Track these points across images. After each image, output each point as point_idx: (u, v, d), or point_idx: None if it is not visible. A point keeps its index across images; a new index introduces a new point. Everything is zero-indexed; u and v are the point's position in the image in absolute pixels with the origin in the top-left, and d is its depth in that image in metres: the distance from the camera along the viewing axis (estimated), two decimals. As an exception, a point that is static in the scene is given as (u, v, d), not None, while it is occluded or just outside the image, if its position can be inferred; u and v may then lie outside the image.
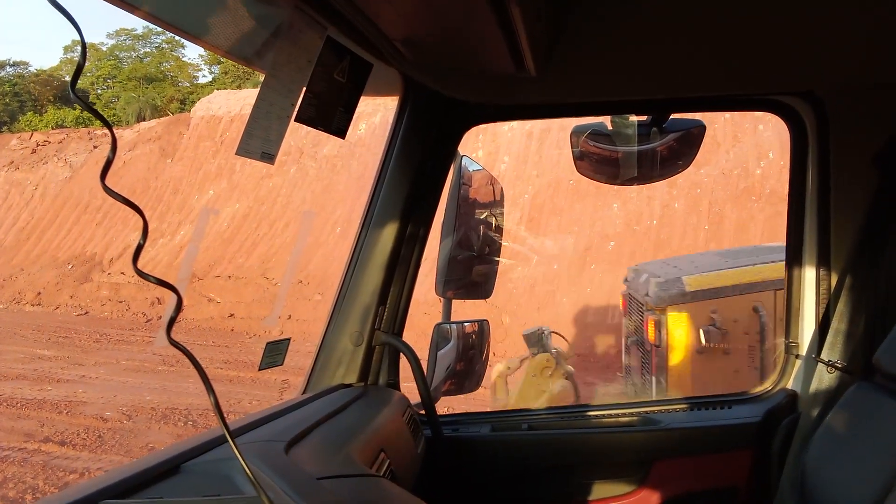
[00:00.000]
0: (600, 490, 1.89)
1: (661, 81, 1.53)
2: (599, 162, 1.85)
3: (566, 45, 1.35)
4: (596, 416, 1.96)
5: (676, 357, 3.80)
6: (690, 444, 1.88)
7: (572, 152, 1.83)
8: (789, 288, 1.88)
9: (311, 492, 0.89)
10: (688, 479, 1.87)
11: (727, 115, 13.94)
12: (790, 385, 1.91)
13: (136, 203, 0.63)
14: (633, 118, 1.83)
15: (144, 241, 0.62)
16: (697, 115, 1.87)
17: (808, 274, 1.83)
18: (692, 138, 1.86)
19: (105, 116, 0.67)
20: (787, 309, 1.90)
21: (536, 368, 4.66)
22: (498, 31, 1.09)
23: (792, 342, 1.89)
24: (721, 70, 1.45)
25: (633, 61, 1.44)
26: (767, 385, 1.96)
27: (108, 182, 0.63)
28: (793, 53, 1.40)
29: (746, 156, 13.66)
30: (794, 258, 1.87)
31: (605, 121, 1.83)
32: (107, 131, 0.64)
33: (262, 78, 1.15)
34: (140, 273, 0.61)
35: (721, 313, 3.82)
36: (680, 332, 3.83)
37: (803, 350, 1.87)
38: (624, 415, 1.94)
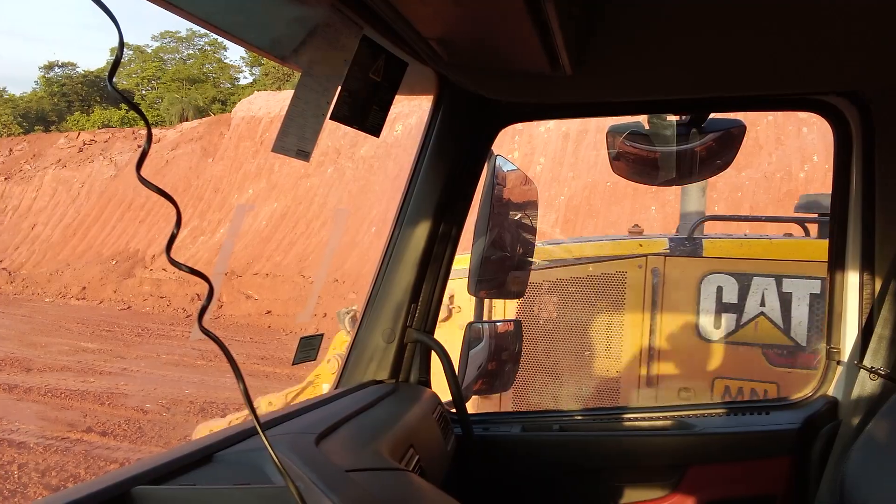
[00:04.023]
0: (632, 494, 1.86)
1: (700, 80, 1.50)
2: (636, 162, 1.83)
3: (601, 43, 1.34)
4: (629, 418, 1.94)
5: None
6: (727, 449, 1.85)
7: (608, 153, 1.81)
8: (831, 292, 1.83)
9: (340, 483, 0.90)
10: (723, 485, 1.84)
11: (769, 116, 13.64)
12: (831, 392, 1.86)
13: (170, 194, 0.64)
14: (671, 118, 1.80)
15: (178, 231, 0.63)
16: (738, 115, 1.84)
17: (851, 278, 1.78)
18: (732, 139, 1.83)
19: (146, 114, 0.69)
20: (828, 313, 1.85)
21: (338, 345, 4.80)
22: (532, 30, 1.09)
23: (833, 348, 1.84)
24: (762, 68, 1.41)
25: (671, 59, 1.42)
26: (807, 391, 1.91)
27: (148, 178, 0.65)
28: (838, 51, 1.36)
29: (790, 159, 13.36)
30: (836, 262, 1.82)
31: (643, 120, 1.80)
32: (152, 130, 0.65)
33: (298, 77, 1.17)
34: (172, 262, 0.63)
35: (458, 293, 4.02)
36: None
37: (845, 356, 1.82)
38: (658, 418, 1.92)
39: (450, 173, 1.67)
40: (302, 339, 1.50)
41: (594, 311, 3.77)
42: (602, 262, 3.81)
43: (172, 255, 0.64)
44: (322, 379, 4.59)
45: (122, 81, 41.48)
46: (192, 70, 39.82)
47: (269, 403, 4.60)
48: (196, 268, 0.69)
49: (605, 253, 3.81)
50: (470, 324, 1.90)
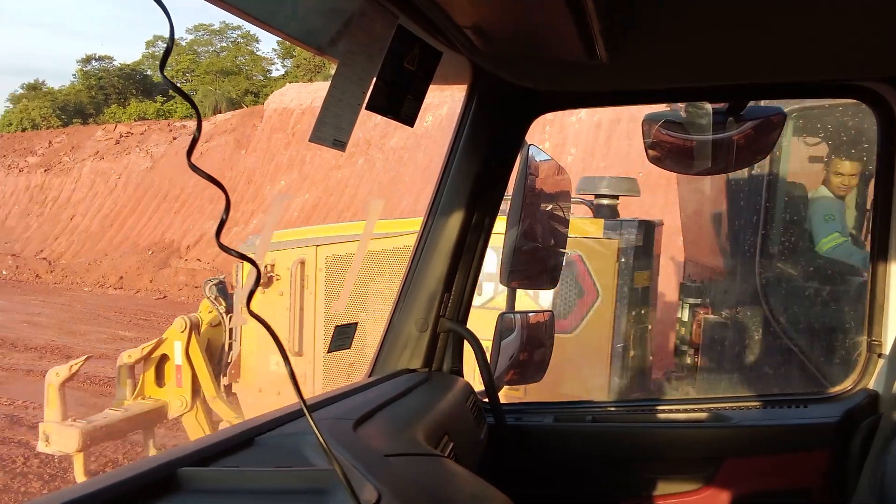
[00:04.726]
0: (666, 486, 1.85)
1: (738, 67, 1.47)
2: (672, 151, 1.80)
3: (639, 30, 1.32)
4: (663, 409, 1.92)
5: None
6: (763, 442, 1.83)
7: (644, 141, 1.79)
8: (873, 283, 1.79)
9: (379, 467, 0.92)
10: (759, 477, 1.82)
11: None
12: (871, 385, 1.82)
13: (220, 181, 0.66)
14: (708, 105, 1.77)
15: (227, 217, 0.65)
16: (777, 102, 1.80)
17: (894, 269, 1.74)
18: (771, 127, 1.79)
19: (189, 107, 0.70)
20: (869, 306, 1.81)
21: (202, 310, 5.08)
22: (569, 17, 1.08)
23: (874, 340, 1.80)
24: (802, 54, 1.38)
25: (709, 46, 1.39)
26: (847, 384, 1.87)
27: (183, 170, 0.66)
28: (881, 35, 1.32)
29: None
30: (879, 252, 1.77)
31: (679, 108, 1.78)
32: (185, 123, 0.67)
33: (333, 69, 1.18)
34: (222, 246, 0.64)
35: (277, 263, 4.53)
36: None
37: (886, 349, 1.78)
38: (693, 410, 1.90)
39: (483, 163, 1.67)
40: (337, 327, 1.53)
41: (382, 278, 4.22)
42: (381, 237, 4.31)
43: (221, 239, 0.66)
44: (172, 336, 4.88)
45: (157, 74, 42.16)
46: (225, 62, 40.29)
47: (129, 356, 4.90)
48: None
49: (390, 229, 4.27)
50: (502, 314, 1.90)
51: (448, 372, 1.74)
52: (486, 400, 1.74)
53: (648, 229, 3.99)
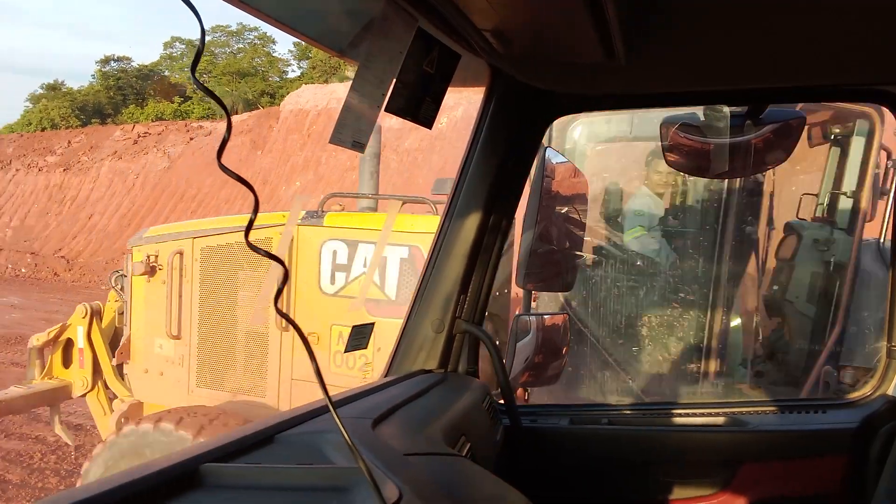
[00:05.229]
0: (682, 490, 1.84)
1: (759, 70, 1.46)
2: (690, 154, 1.80)
3: (658, 32, 1.31)
4: (680, 413, 1.92)
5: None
6: (781, 447, 1.81)
7: (661, 144, 1.79)
8: (893, 288, 1.77)
9: (399, 466, 0.92)
10: (776, 483, 1.80)
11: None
12: (891, 391, 1.81)
13: (248, 181, 0.67)
14: (726, 109, 1.77)
15: (255, 217, 0.66)
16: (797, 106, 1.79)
17: None
18: (790, 130, 1.78)
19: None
20: (889, 311, 1.80)
21: (110, 299, 5.48)
22: (589, 19, 1.08)
23: (894, 346, 1.78)
24: (824, 57, 1.37)
25: (729, 49, 1.39)
26: (866, 390, 1.86)
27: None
28: None
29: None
30: None
31: (697, 111, 1.77)
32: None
33: (349, 72, 1.19)
34: (251, 245, 0.65)
35: (160, 254, 4.99)
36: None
37: None
38: (710, 414, 1.89)
39: (500, 165, 1.67)
40: (354, 327, 1.53)
41: (251, 269, 4.73)
42: (255, 229, 4.37)
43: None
44: (75, 322, 5.31)
45: (174, 75, 42.56)
46: (241, 64, 40.57)
47: (37, 339, 5.32)
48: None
49: (264, 223, 4.66)
50: (518, 315, 1.90)
51: (464, 373, 1.74)
52: (502, 401, 1.74)
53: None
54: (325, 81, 28.21)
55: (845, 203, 4.38)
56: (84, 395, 5.32)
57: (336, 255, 4.44)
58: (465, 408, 1.48)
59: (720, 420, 1.88)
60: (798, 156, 3.73)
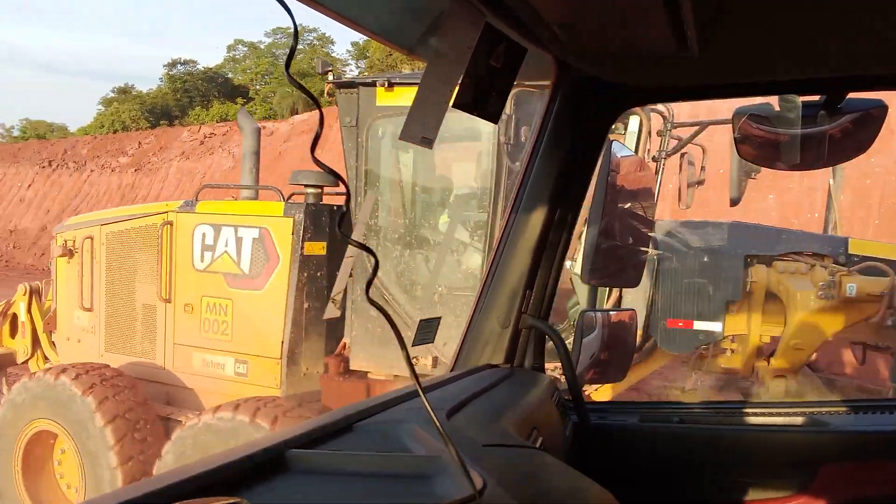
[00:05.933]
0: (756, 492, 1.79)
1: (837, 58, 1.41)
2: (764, 146, 1.74)
3: (732, 21, 1.27)
4: (754, 412, 1.86)
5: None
6: (863, 448, 1.74)
7: (734, 136, 1.74)
8: None
9: (479, 456, 0.93)
10: (857, 485, 1.73)
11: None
12: None
13: (339, 174, 0.69)
14: (799, 99, 1.70)
15: (348, 209, 0.68)
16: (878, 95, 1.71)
17: None
18: (870, 120, 1.70)
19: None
20: None
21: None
22: (661, 9, 1.06)
23: None
24: None
25: (805, 36, 1.33)
26: None
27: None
28: None
29: (927, 143, 12.24)
30: None
31: (772, 101, 1.71)
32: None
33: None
34: (344, 235, 0.67)
35: (76, 239, 6.11)
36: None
37: None
38: (787, 414, 1.83)
39: (566, 159, 1.66)
40: (421, 321, 1.55)
41: (142, 251, 5.67)
42: (140, 217, 5.79)
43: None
44: (18, 298, 6.35)
45: (237, 77, 43.69)
46: (301, 64, 41.31)
47: None
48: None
49: (148, 211, 5.87)
50: (583, 312, 1.88)
51: (530, 368, 1.74)
52: (569, 398, 1.73)
53: (318, 212, 4.93)
54: (383, 80, 28.37)
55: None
56: (26, 362, 6.34)
57: (205, 238, 5.30)
58: (535, 402, 1.48)
59: (798, 420, 1.82)
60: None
